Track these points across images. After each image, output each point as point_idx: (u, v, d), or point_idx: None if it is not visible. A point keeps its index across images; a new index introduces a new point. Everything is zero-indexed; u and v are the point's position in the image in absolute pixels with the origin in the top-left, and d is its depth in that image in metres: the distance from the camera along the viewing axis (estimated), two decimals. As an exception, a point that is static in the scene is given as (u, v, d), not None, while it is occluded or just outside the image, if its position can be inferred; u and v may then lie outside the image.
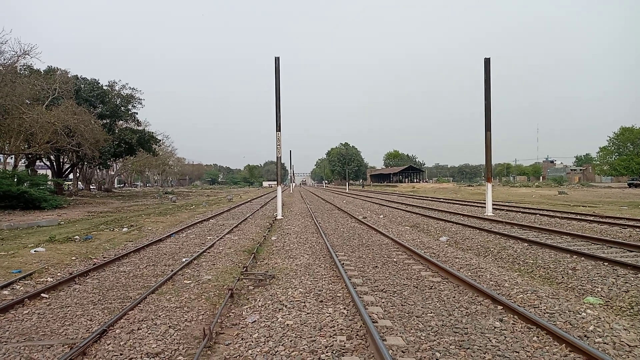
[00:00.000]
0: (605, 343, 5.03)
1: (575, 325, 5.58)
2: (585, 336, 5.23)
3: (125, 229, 16.74)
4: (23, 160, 38.46)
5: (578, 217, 18.23)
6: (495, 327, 5.54)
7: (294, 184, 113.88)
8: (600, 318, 5.78)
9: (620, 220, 16.16)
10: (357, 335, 5.34)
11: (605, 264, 8.98)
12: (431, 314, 6.11)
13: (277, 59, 22.24)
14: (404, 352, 4.82)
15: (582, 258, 9.63)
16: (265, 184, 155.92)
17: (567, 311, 6.07)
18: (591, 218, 17.50)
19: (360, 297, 6.84)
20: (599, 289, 7.38)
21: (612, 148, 77.72)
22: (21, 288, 7.96)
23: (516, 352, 4.79)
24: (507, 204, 28.51)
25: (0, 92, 26.25)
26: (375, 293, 7.28)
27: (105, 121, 43.62)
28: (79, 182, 52.53)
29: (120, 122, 48.34)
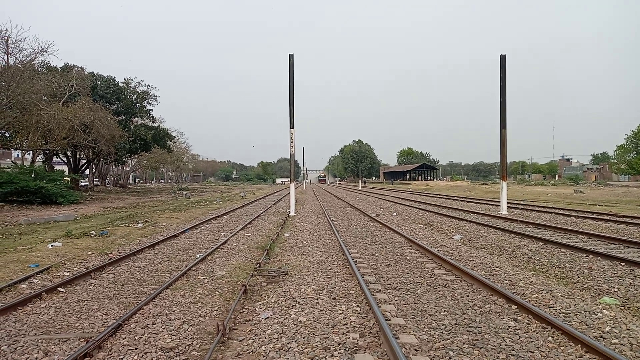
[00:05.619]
0: (622, 344, 4.96)
1: (591, 325, 5.50)
2: (601, 337, 5.16)
3: (140, 225, 16.93)
4: (40, 156, 39.10)
5: (594, 216, 17.96)
6: (509, 327, 5.49)
7: (307, 181, 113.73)
8: (616, 319, 5.70)
9: (637, 220, 15.88)
10: (370, 332, 5.33)
11: (622, 264, 8.83)
12: (444, 313, 6.08)
13: (290, 56, 22.02)
14: (417, 351, 4.81)
15: (599, 258, 9.49)
16: (278, 180, 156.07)
17: (582, 311, 6.00)
18: (608, 217, 17.25)
19: (373, 295, 6.83)
20: (616, 290, 7.28)
21: (630, 146, 76.11)
22: (39, 282, 8.12)
23: (530, 352, 4.75)
24: (522, 202, 28.22)
25: (18, 88, 26.68)
26: (388, 291, 7.26)
27: (120, 118, 44.22)
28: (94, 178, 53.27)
29: (136, 118, 48.92)
